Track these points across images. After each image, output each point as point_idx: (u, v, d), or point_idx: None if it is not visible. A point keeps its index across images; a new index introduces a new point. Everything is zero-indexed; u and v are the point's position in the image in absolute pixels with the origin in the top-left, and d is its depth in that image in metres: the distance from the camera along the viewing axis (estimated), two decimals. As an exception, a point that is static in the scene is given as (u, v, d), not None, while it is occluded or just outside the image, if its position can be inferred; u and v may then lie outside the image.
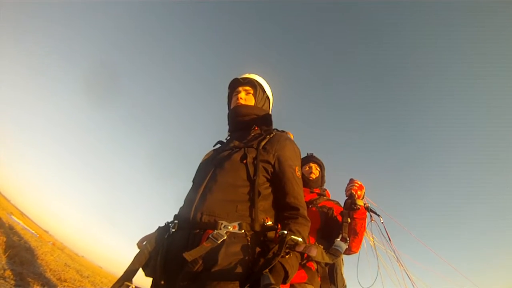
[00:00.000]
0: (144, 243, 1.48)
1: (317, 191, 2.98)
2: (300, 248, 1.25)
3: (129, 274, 1.35)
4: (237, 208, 1.39)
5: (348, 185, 2.60)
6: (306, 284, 2.17)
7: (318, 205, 2.76)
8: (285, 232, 1.29)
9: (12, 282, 4.45)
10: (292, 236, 1.27)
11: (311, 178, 2.99)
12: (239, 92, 1.89)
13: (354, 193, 2.48)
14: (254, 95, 1.90)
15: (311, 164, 3.07)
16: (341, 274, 2.62)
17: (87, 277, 10.02)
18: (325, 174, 3.16)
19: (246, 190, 1.44)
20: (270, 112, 2.01)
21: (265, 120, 1.83)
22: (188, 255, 1.17)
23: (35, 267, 6.14)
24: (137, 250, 1.47)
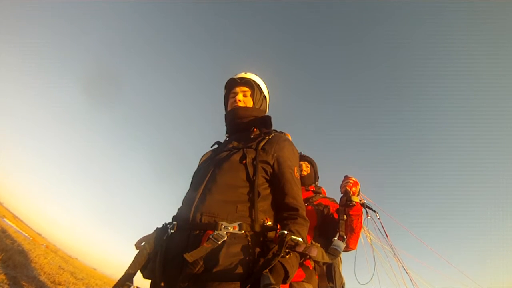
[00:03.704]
0: (142, 243, 1.47)
1: (312, 189, 2.99)
2: (301, 248, 1.25)
3: (129, 276, 1.35)
4: (237, 208, 1.39)
5: (342, 182, 2.61)
6: (304, 283, 2.17)
7: (314, 203, 2.77)
8: (285, 232, 1.29)
9: (6, 286, 4.40)
10: (292, 236, 1.27)
11: (303, 175, 2.99)
12: (237, 93, 1.86)
13: (349, 189, 2.49)
14: (252, 96, 1.88)
15: (301, 162, 3.08)
16: (339, 272, 2.63)
17: (82, 279, 9.94)
18: (317, 171, 3.16)
19: (245, 191, 1.44)
20: (267, 111, 2.01)
21: (265, 122, 1.80)
22: (189, 256, 1.17)
23: (29, 270, 6.07)
24: (134, 251, 1.46)
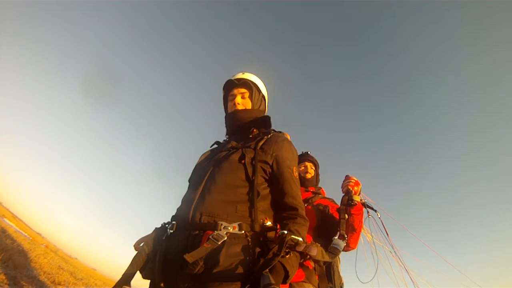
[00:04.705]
0: (141, 244, 1.46)
1: (312, 190, 2.98)
2: (301, 248, 1.25)
3: (127, 277, 1.34)
4: (236, 208, 1.38)
5: (344, 181, 2.62)
6: (304, 283, 2.17)
7: (314, 203, 2.77)
8: (285, 232, 1.29)
9: (6, 286, 4.41)
10: (292, 236, 1.27)
11: (307, 177, 2.99)
12: (235, 96, 1.86)
13: (351, 189, 2.49)
14: (251, 97, 1.87)
15: (307, 163, 3.07)
16: (338, 272, 2.63)
17: (81, 279, 9.97)
18: (319, 172, 3.16)
19: (245, 191, 1.43)
20: (266, 110, 2.01)
21: (264, 122, 1.81)
22: (189, 257, 1.16)
23: (29, 270, 6.08)
24: (134, 252, 1.45)
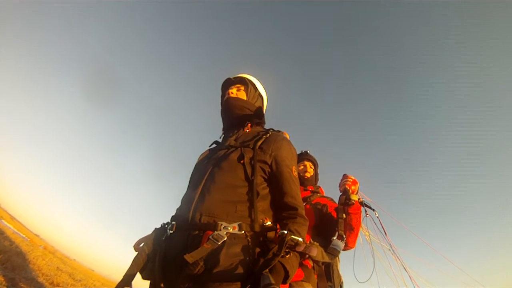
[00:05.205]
0: (141, 245, 1.46)
1: (310, 189, 2.98)
2: (301, 248, 1.25)
3: (128, 278, 1.33)
4: (236, 208, 1.38)
5: (341, 180, 2.61)
6: (303, 282, 2.17)
7: (312, 202, 2.77)
8: (285, 232, 1.29)
9: (5, 288, 4.40)
10: (292, 236, 1.27)
11: (306, 177, 2.99)
12: (231, 89, 1.89)
13: (348, 188, 2.49)
14: (246, 91, 1.89)
15: (306, 162, 3.07)
16: (338, 271, 2.63)
17: (80, 280, 9.94)
18: (318, 171, 3.16)
19: (244, 191, 1.43)
20: (264, 109, 2.02)
21: (256, 114, 1.85)
22: (189, 257, 1.16)
23: (27, 272, 6.06)
24: (133, 253, 1.45)
